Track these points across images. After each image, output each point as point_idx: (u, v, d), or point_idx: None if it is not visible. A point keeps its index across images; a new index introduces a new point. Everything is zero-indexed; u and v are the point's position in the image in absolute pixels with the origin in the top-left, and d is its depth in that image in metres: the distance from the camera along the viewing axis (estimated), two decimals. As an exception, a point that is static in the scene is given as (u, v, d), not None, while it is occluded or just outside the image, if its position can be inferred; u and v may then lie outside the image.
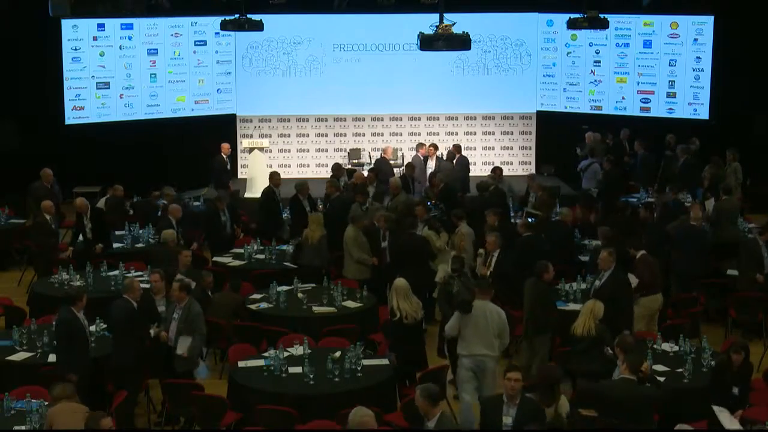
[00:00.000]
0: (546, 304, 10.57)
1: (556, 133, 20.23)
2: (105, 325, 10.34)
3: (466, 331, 9.70)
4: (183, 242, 13.72)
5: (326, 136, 20.59)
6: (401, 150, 20.21)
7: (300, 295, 11.79)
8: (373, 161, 19.87)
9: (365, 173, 16.85)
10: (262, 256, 13.55)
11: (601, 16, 16.65)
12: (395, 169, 18.34)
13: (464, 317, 9.69)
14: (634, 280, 11.10)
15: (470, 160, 19.16)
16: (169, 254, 12.17)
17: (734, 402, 8.83)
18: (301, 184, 15.15)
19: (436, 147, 18.28)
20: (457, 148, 18.26)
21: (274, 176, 15.45)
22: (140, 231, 14.59)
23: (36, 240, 13.96)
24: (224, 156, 17.73)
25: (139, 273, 12.43)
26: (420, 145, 18.36)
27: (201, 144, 19.53)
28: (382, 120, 20.60)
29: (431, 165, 17.85)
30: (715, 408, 8.67)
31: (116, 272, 12.51)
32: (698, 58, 19.29)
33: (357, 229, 12.83)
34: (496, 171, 16.37)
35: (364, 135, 20.60)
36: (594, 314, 9.54)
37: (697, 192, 16.16)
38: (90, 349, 9.69)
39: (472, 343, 9.69)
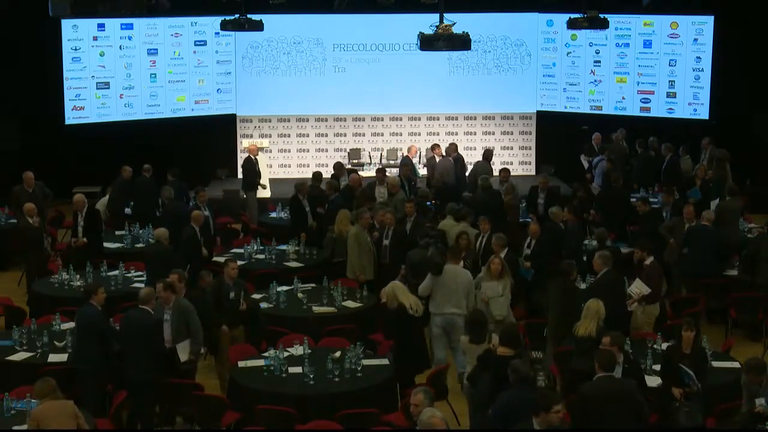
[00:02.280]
0: (577, 305, 10.44)
1: (556, 133, 20.24)
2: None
3: (438, 292, 10.66)
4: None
5: (326, 136, 20.59)
6: (401, 150, 20.20)
7: (300, 295, 11.79)
8: (373, 161, 19.92)
9: (376, 173, 16.74)
10: (262, 256, 13.55)
11: (601, 16, 16.64)
12: (394, 170, 18.34)
13: (436, 279, 10.65)
14: (640, 285, 11.05)
15: (471, 161, 19.17)
16: (163, 253, 12.09)
17: (688, 383, 8.79)
18: (301, 184, 15.13)
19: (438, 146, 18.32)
20: (453, 146, 18.23)
21: (302, 186, 15.12)
22: (140, 231, 14.59)
23: (20, 243, 13.94)
24: (252, 157, 17.53)
25: (139, 273, 12.44)
26: (435, 146, 18.31)
27: (201, 144, 19.55)
28: (382, 120, 20.61)
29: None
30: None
31: (116, 272, 12.51)
32: (698, 58, 19.30)
33: (360, 228, 12.80)
34: (502, 173, 16.41)
35: (364, 135, 20.60)
36: (598, 315, 9.56)
37: (694, 191, 16.13)
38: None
39: (443, 302, 10.64)
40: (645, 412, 8.12)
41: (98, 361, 9.38)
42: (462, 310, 10.58)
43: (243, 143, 19.80)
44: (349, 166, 19.03)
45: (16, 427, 8.30)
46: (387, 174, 16.46)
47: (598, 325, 9.50)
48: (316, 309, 11.42)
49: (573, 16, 16.98)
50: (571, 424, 8.19)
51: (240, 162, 20.17)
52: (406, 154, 18.27)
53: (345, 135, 20.59)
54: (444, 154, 18.13)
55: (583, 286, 11.77)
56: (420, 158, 19.34)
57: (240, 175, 19.79)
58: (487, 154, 17.93)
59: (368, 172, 18.23)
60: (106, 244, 14.25)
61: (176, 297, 9.92)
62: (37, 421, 7.85)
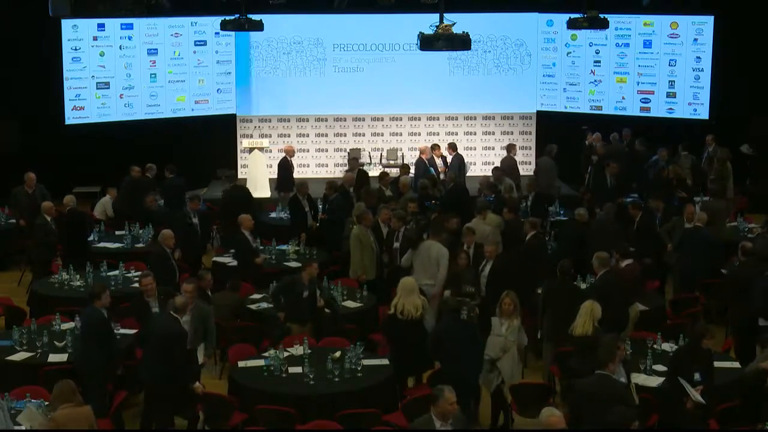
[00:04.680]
0: (578, 305, 10.47)
1: (556, 133, 20.21)
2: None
3: (415, 264, 11.82)
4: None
5: (326, 136, 20.59)
6: (401, 150, 20.23)
7: (300, 295, 11.77)
8: (373, 161, 19.92)
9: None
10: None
11: (601, 16, 16.63)
12: (394, 170, 18.34)
13: (414, 252, 11.87)
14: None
15: (471, 160, 19.23)
16: (162, 255, 11.98)
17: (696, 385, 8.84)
18: (301, 184, 15.14)
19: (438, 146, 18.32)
20: (452, 146, 18.21)
21: (302, 186, 15.19)
22: (140, 231, 14.57)
23: (37, 241, 13.91)
24: (288, 159, 17.52)
25: (140, 273, 12.40)
26: (435, 146, 18.27)
27: (201, 144, 19.54)
28: (382, 120, 20.60)
29: (439, 164, 17.88)
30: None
31: (116, 272, 12.50)
32: (698, 58, 19.29)
33: (362, 228, 12.78)
34: (495, 172, 16.43)
35: (364, 135, 20.60)
36: (593, 315, 9.56)
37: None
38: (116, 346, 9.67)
39: (419, 274, 11.59)
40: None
41: (101, 363, 9.37)
42: (434, 281, 11.59)
43: (243, 143, 19.80)
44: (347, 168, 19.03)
45: (16, 428, 8.30)
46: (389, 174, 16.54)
47: (593, 325, 9.49)
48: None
49: (573, 16, 16.97)
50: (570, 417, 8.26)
51: (240, 162, 20.22)
52: (420, 155, 18.15)
53: (345, 135, 20.59)
54: (443, 154, 18.11)
55: (583, 286, 11.78)
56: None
57: (241, 175, 19.84)
58: (550, 151, 17.87)
59: (369, 173, 18.16)
60: (106, 244, 14.25)
61: (195, 301, 10.02)
62: (57, 426, 7.81)
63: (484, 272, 11.71)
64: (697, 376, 8.88)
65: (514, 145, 18.35)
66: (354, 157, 18.00)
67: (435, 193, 15.19)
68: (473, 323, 9.46)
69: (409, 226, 13.06)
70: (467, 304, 9.46)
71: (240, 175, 19.96)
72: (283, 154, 18.03)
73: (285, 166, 17.56)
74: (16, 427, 8.32)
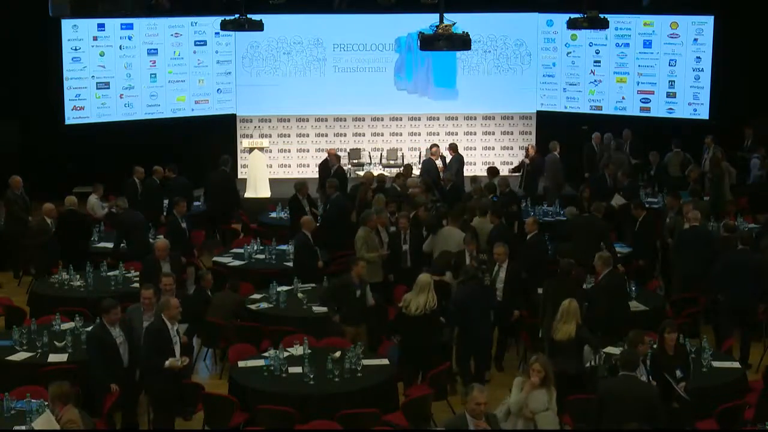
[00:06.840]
0: (579, 305, 10.36)
1: (556, 133, 20.18)
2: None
3: (435, 249, 12.40)
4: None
5: (326, 136, 20.58)
6: (401, 150, 20.23)
7: (300, 295, 11.77)
8: (373, 161, 19.92)
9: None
10: (262, 256, 13.54)
11: (601, 16, 16.65)
12: (395, 169, 18.34)
13: (434, 237, 12.52)
14: None
15: (471, 160, 19.21)
16: (154, 262, 11.72)
17: (679, 382, 8.85)
18: (301, 184, 15.12)
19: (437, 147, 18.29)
20: (453, 147, 18.18)
21: (303, 186, 15.14)
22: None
23: (37, 241, 13.89)
24: (330, 162, 17.19)
25: (139, 274, 12.40)
26: (434, 146, 18.22)
27: (201, 144, 19.55)
28: (382, 120, 20.60)
29: (439, 164, 17.85)
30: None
31: (116, 272, 12.49)
32: (698, 58, 19.30)
33: (368, 230, 12.73)
34: (490, 172, 16.43)
35: (364, 135, 20.60)
36: (576, 316, 9.46)
37: (684, 194, 16.07)
38: (120, 361, 9.45)
39: None
40: (660, 419, 8.09)
41: (101, 377, 9.28)
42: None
43: (243, 143, 19.80)
44: (349, 166, 19.00)
45: (16, 427, 8.30)
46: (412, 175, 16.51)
47: (576, 325, 9.42)
48: (316, 309, 11.40)
49: (573, 16, 16.98)
50: (589, 416, 8.30)
51: (240, 162, 20.23)
52: (429, 155, 18.07)
53: (345, 135, 20.59)
54: (442, 154, 18.05)
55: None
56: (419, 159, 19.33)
57: (241, 175, 19.86)
58: (619, 143, 17.93)
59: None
60: (106, 244, 14.22)
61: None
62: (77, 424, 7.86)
63: (499, 276, 11.26)
64: (678, 372, 8.88)
65: (437, 146, 18.18)
66: (333, 153, 17.60)
67: (421, 200, 15.02)
68: (489, 288, 10.87)
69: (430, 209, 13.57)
70: (484, 270, 10.83)
71: (240, 175, 20.02)
72: (325, 156, 17.60)
73: (326, 170, 16.89)
74: (15, 427, 8.32)
